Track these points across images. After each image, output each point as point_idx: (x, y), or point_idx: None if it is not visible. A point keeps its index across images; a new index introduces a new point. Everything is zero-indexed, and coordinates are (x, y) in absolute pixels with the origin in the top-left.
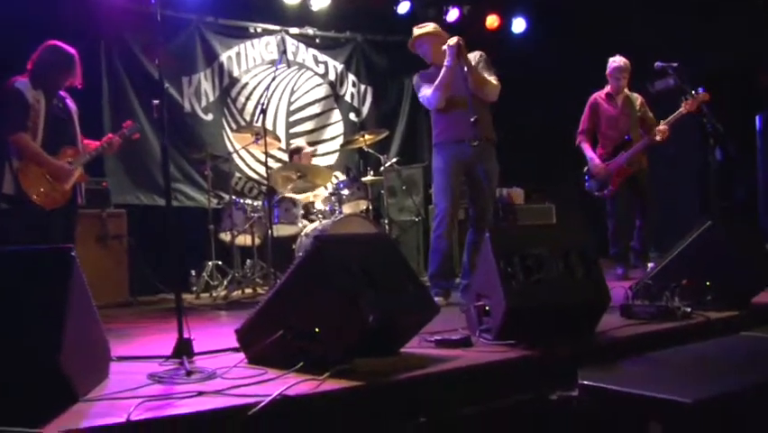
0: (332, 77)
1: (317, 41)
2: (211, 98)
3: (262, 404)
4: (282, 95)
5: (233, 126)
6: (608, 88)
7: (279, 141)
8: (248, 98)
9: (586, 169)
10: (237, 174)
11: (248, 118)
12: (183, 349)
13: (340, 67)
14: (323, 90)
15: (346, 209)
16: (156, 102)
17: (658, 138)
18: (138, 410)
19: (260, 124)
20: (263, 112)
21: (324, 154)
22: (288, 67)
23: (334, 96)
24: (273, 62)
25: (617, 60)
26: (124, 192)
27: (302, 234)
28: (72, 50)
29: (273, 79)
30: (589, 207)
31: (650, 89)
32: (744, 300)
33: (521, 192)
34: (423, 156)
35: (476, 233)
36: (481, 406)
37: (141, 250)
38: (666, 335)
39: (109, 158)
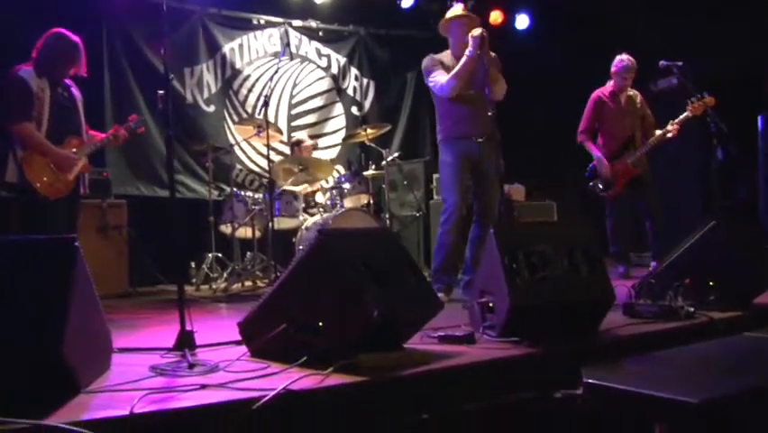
0: (334, 70)
1: (320, 33)
2: (213, 90)
3: (266, 398)
4: (284, 87)
5: (235, 118)
6: (611, 86)
7: (281, 133)
8: (250, 90)
9: (590, 167)
10: (238, 166)
11: (250, 110)
12: (185, 341)
13: (342, 60)
14: (325, 83)
15: (347, 203)
16: (161, 93)
17: (670, 135)
18: (141, 403)
19: (262, 116)
20: (266, 104)
21: (325, 148)
22: (291, 59)
23: (337, 89)
24: (276, 54)
25: (624, 59)
26: (125, 183)
27: (302, 227)
28: (77, 39)
29: (276, 72)
30: (590, 204)
31: (652, 88)
32: (746, 300)
33: (522, 189)
34: (424, 151)
35: (480, 228)
36: (485, 403)
37: (141, 241)
38: (669, 334)
39: (111, 148)
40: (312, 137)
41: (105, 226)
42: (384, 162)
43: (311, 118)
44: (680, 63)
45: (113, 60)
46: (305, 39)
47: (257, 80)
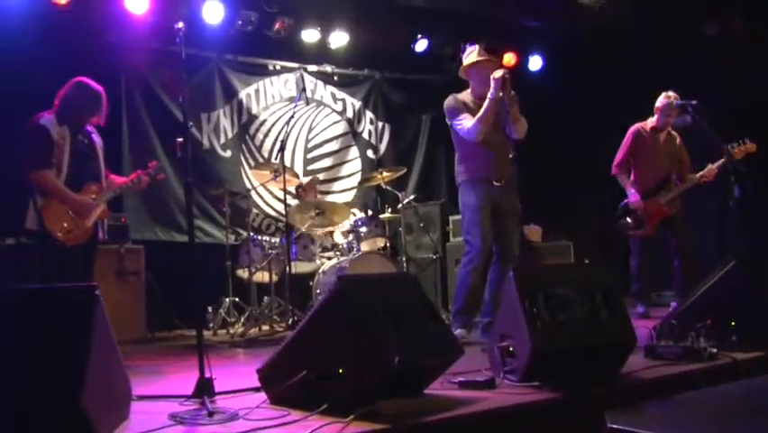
0: (350, 114)
1: (335, 78)
2: (230, 135)
3: None
4: (300, 132)
5: (252, 163)
6: (652, 122)
7: (298, 177)
8: (266, 135)
9: (622, 204)
10: (255, 211)
11: (266, 155)
12: (204, 388)
13: (358, 104)
14: (341, 127)
15: (364, 247)
16: (180, 140)
17: (706, 180)
18: None
19: (278, 160)
20: (282, 149)
21: (341, 191)
22: (307, 104)
23: (352, 133)
24: (292, 99)
25: (670, 96)
26: (143, 228)
27: (320, 271)
28: (99, 87)
29: (292, 116)
30: (609, 244)
31: None
32: None
33: (539, 230)
34: (440, 193)
35: (500, 269)
36: None
37: (159, 286)
38: (692, 376)
39: (128, 194)
40: (328, 181)
41: (123, 271)
42: (400, 205)
43: (327, 162)
44: (694, 102)
45: (131, 108)
46: (320, 83)
47: (273, 125)
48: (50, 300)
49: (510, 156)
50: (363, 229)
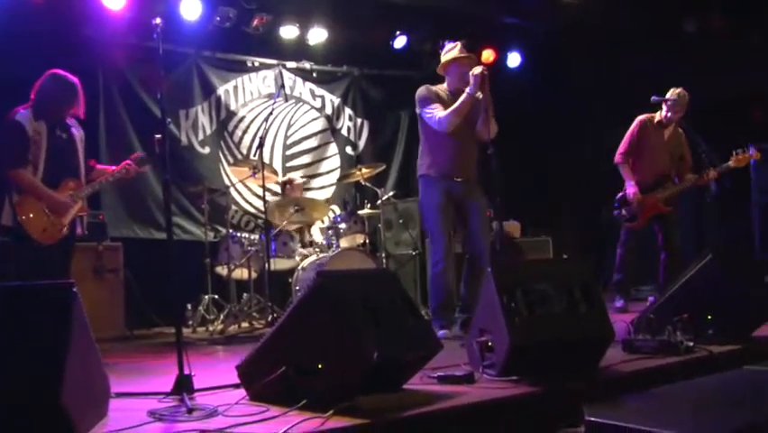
0: (328, 110)
1: (314, 75)
2: (208, 132)
3: None
4: (279, 128)
5: (230, 160)
6: (659, 116)
7: (276, 174)
8: (245, 132)
9: (620, 195)
10: (234, 208)
11: (245, 152)
12: (183, 385)
13: (336, 101)
14: (319, 124)
15: (343, 243)
16: (158, 136)
17: (706, 181)
18: None
19: (257, 157)
20: (260, 145)
21: (320, 188)
22: (286, 101)
23: (331, 129)
24: (270, 96)
25: (679, 92)
26: (121, 225)
27: (299, 267)
28: (75, 80)
29: (270, 113)
30: (586, 239)
31: None
32: (745, 334)
33: (518, 225)
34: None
35: (472, 266)
36: None
37: (137, 283)
38: (670, 369)
39: (106, 191)
40: (307, 177)
41: (101, 269)
42: (379, 202)
43: (306, 159)
44: (669, 99)
45: (108, 103)
46: (299, 80)
47: (252, 122)
48: (28, 298)
49: (475, 154)
50: (342, 226)
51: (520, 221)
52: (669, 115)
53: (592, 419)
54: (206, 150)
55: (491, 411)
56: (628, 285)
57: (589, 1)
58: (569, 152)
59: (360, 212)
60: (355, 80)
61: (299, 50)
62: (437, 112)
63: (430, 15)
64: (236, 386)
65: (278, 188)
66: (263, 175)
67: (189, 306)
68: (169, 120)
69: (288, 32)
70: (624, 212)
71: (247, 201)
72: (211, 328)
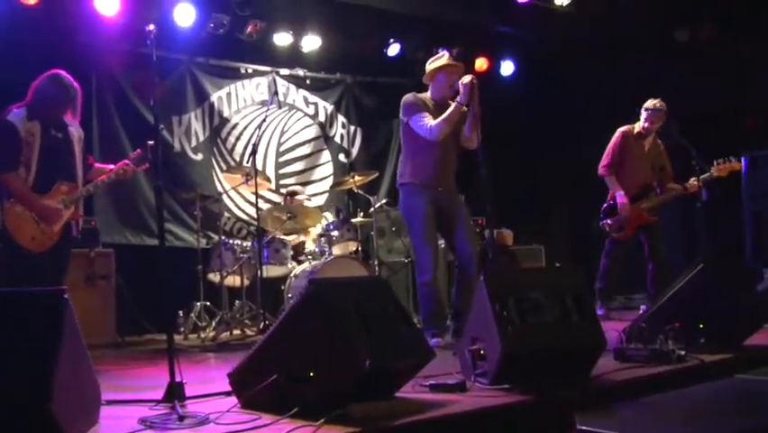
0: (321, 118)
1: (308, 82)
2: (201, 138)
3: None
4: (272, 135)
5: (223, 166)
6: (638, 127)
7: (269, 181)
8: (238, 139)
9: (606, 206)
10: (226, 214)
11: (238, 159)
12: (175, 393)
13: (330, 108)
14: (312, 131)
15: (336, 250)
16: (151, 143)
17: (690, 191)
18: None
19: (249, 164)
20: (253, 152)
21: (313, 195)
22: (279, 108)
23: (324, 137)
24: (264, 103)
25: (656, 102)
26: (113, 231)
27: (291, 275)
28: (74, 82)
29: (264, 120)
30: (578, 248)
31: None
32: (737, 342)
33: (510, 234)
34: None
35: (461, 274)
36: None
37: (129, 290)
38: (661, 378)
39: (98, 196)
40: (299, 185)
41: (93, 276)
42: (372, 209)
43: (299, 166)
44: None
45: (102, 109)
46: (292, 87)
47: (245, 129)
48: (19, 304)
49: (456, 165)
50: (335, 233)
51: (513, 229)
52: (647, 125)
53: (584, 427)
54: (199, 156)
55: (483, 420)
56: (610, 293)
57: (582, 10)
58: (562, 161)
59: (352, 219)
60: (348, 88)
61: (293, 57)
62: (428, 120)
63: (423, 23)
64: (228, 394)
65: (270, 196)
66: (256, 182)
67: (181, 313)
68: (162, 126)
69: (282, 39)
70: (611, 222)
71: (240, 208)
72: (203, 335)
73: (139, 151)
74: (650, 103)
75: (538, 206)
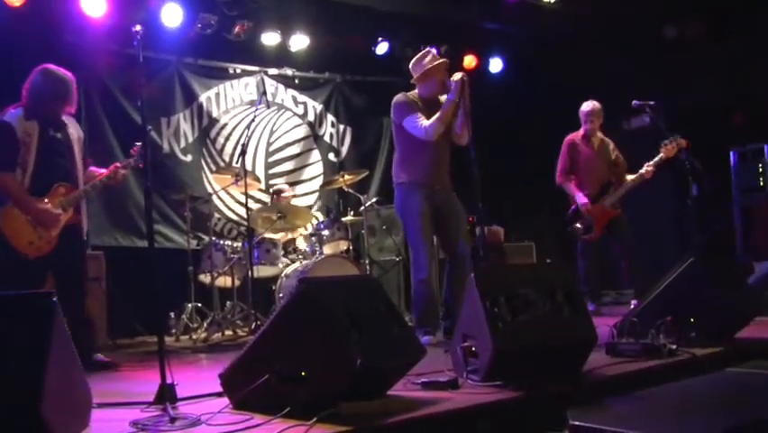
0: (311, 117)
1: (296, 81)
2: (190, 139)
3: None
4: (261, 135)
5: (213, 167)
6: (582, 131)
7: (259, 181)
8: (227, 139)
9: (571, 210)
10: (216, 215)
11: (227, 159)
12: (166, 395)
13: (319, 107)
14: (302, 131)
15: (327, 250)
16: (139, 144)
17: (646, 177)
18: None
19: (239, 164)
20: (243, 153)
21: (303, 195)
22: (268, 107)
23: (314, 136)
24: (252, 103)
25: (588, 104)
26: (103, 233)
27: (282, 275)
28: (68, 74)
29: (253, 120)
30: (569, 244)
31: (625, 127)
32: (728, 336)
33: (501, 230)
34: None
35: (454, 273)
36: None
37: (120, 292)
38: (653, 372)
39: (88, 199)
40: (289, 184)
41: None
42: (362, 208)
43: (288, 166)
44: (652, 102)
45: (89, 110)
46: (281, 87)
47: (234, 129)
48: (8, 308)
49: (449, 162)
50: (326, 232)
51: (503, 226)
52: (588, 126)
53: (576, 423)
54: (188, 157)
55: (475, 417)
56: (597, 293)
57: (570, 6)
58: (551, 157)
59: (343, 219)
60: (337, 87)
61: (281, 56)
62: (422, 121)
63: (412, 21)
64: (219, 395)
65: (260, 196)
66: (246, 182)
67: (172, 314)
68: (150, 127)
69: (270, 38)
70: (579, 225)
71: (230, 209)
72: (194, 337)
73: (136, 148)
74: (584, 106)
75: (528, 202)
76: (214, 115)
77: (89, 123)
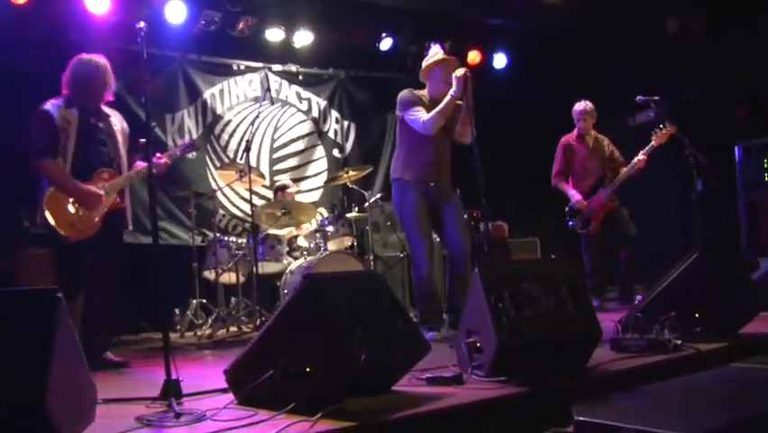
0: (315, 113)
1: (300, 77)
2: (194, 136)
3: None
4: (266, 132)
5: (217, 164)
6: (576, 131)
7: (263, 178)
8: (231, 135)
9: (568, 207)
10: (221, 211)
11: (231, 155)
12: (171, 390)
13: (323, 103)
14: (306, 127)
15: (331, 246)
16: (143, 141)
17: (638, 167)
18: None
19: (243, 161)
20: (247, 149)
21: (308, 191)
22: (272, 104)
23: (318, 132)
24: (256, 99)
25: (580, 104)
26: None
27: (287, 271)
28: (102, 59)
29: (257, 116)
30: (572, 239)
31: (630, 122)
32: (732, 331)
33: (505, 226)
34: None
35: (454, 269)
36: None
37: (124, 288)
38: (658, 367)
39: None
40: (294, 180)
41: None
42: (366, 204)
43: (293, 162)
44: (656, 98)
45: None
46: (285, 83)
47: (238, 125)
48: (12, 303)
49: (448, 159)
50: (330, 228)
51: (508, 222)
52: (582, 125)
53: (581, 418)
54: (193, 154)
55: (480, 412)
56: (602, 288)
57: (574, 1)
58: (554, 151)
59: (347, 215)
60: (341, 83)
61: (285, 52)
62: (422, 114)
63: (415, 17)
64: (224, 390)
65: (265, 192)
66: (250, 179)
67: (177, 310)
68: (154, 124)
69: (274, 34)
70: (577, 221)
71: (234, 205)
72: (199, 333)
73: (185, 140)
74: (577, 106)
75: (533, 198)
76: (219, 111)
77: None
